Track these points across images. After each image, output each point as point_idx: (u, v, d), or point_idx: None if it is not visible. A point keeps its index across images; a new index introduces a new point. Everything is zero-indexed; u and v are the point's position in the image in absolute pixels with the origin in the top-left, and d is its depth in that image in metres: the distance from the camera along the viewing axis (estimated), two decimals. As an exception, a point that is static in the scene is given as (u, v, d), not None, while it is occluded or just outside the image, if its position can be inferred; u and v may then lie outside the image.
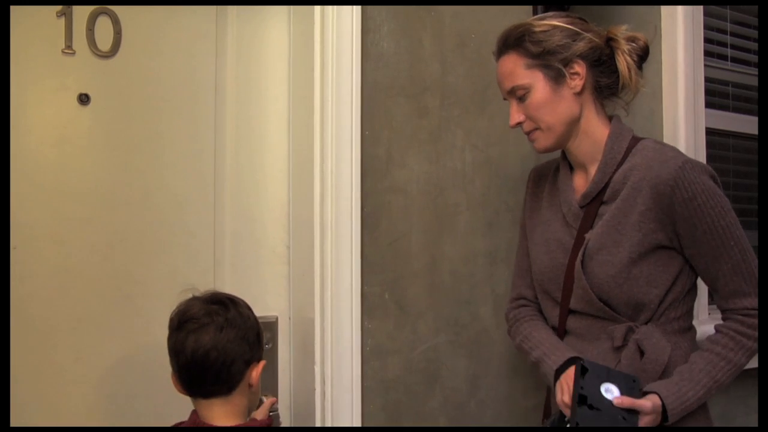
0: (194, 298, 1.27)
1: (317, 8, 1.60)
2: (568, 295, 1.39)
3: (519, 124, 1.40)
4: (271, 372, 1.67)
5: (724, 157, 2.41)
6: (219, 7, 1.71)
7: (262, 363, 1.29)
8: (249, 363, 1.25)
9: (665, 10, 2.12)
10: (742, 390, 2.22)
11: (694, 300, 1.40)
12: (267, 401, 1.50)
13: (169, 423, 1.59)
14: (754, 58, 2.48)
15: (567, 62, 1.33)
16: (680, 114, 2.09)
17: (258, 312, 1.67)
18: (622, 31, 1.37)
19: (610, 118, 1.42)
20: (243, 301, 1.32)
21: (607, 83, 1.38)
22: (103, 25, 1.58)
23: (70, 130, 1.55)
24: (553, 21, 1.36)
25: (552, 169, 1.54)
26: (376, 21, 1.65)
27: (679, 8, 2.09)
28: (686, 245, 1.29)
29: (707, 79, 2.18)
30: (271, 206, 1.74)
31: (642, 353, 1.30)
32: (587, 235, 1.34)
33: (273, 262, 1.73)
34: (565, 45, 1.33)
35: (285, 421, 1.70)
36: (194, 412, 1.26)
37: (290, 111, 1.75)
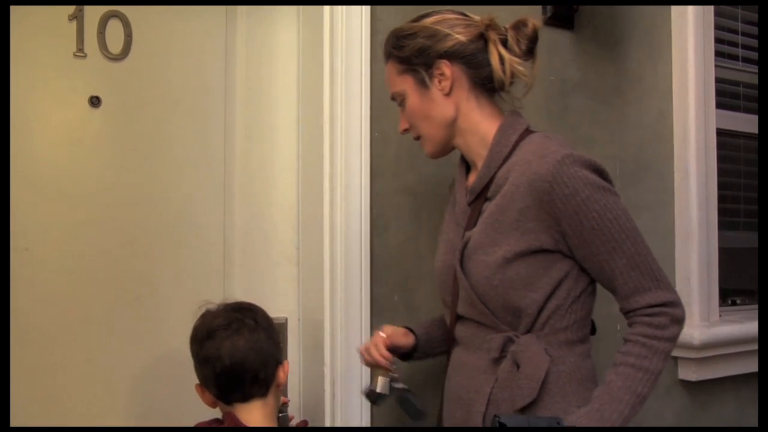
0: (214, 310, 1.31)
1: (326, 8, 1.60)
2: (456, 299, 1.31)
3: (406, 130, 1.38)
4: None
5: (734, 158, 2.40)
6: (228, 8, 1.72)
7: (287, 363, 1.34)
8: (278, 363, 1.30)
9: (675, 10, 2.11)
10: (753, 392, 2.21)
11: (587, 311, 1.26)
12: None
13: (179, 423, 1.60)
14: (766, 58, 2.47)
15: (430, 65, 1.27)
16: (690, 115, 2.08)
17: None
18: (494, 20, 1.28)
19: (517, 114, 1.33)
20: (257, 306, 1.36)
21: (485, 77, 1.29)
22: (114, 28, 1.59)
23: (81, 132, 1.55)
24: (423, 21, 1.30)
25: None
26: (385, 22, 1.65)
27: (690, 8, 2.08)
28: (575, 245, 1.19)
29: (718, 80, 2.17)
30: (281, 208, 1.74)
31: (518, 367, 1.19)
32: (468, 233, 1.27)
33: (282, 263, 1.74)
34: (425, 47, 1.27)
35: (296, 420, 1.69)
36: (230, 414, 1.27)
37: (300, 112, 1.75)
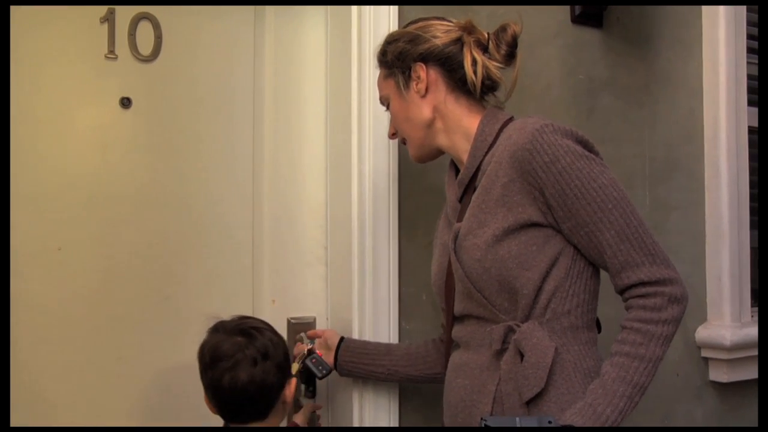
0: (222, 331, 1.30)
1: (354, 8, 1.60)
2: (452, 300, 1.29)
3: (394, 135, 1.40)
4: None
5: (767, 156, 2.36)
6: (257, 8, 1.73)
7: (294, 381, 1.34)
8: (283, 385, 1.31)
9: (706, 7, 2.08)
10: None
11: (590, 293, 1.21)
12: (309, 405, 1.52)
13: (207, 423, 1.61)
14: (798, 54, 2.42)
15: (407, 68, 1.30)
16: (721, 113, 2.05)
17: (295, 313, 1.70)
18: (472, 23, 1.30)
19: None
20: (267, 324, 1.35)
21: (461, 79, 1.29)
22: (144, 29, 1.60)
23: (111, 133, 1.57)
24: (408, 27, 1.34)
25: None
26: (413, 22, 1.65)
27: (721, 6, 2.05)
28: (561, 218, 1.15)
29: (750, 77, 2.13)
30: (309, 207, 1.75)
31: (522, 357, 1.14)
32: (458, 224, 1.25)
33: (311, 263, 1.74)
34: (404, 51, 1.30)
35: (323, 422, 1.70)
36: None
37: (327, 112, 1.75)
